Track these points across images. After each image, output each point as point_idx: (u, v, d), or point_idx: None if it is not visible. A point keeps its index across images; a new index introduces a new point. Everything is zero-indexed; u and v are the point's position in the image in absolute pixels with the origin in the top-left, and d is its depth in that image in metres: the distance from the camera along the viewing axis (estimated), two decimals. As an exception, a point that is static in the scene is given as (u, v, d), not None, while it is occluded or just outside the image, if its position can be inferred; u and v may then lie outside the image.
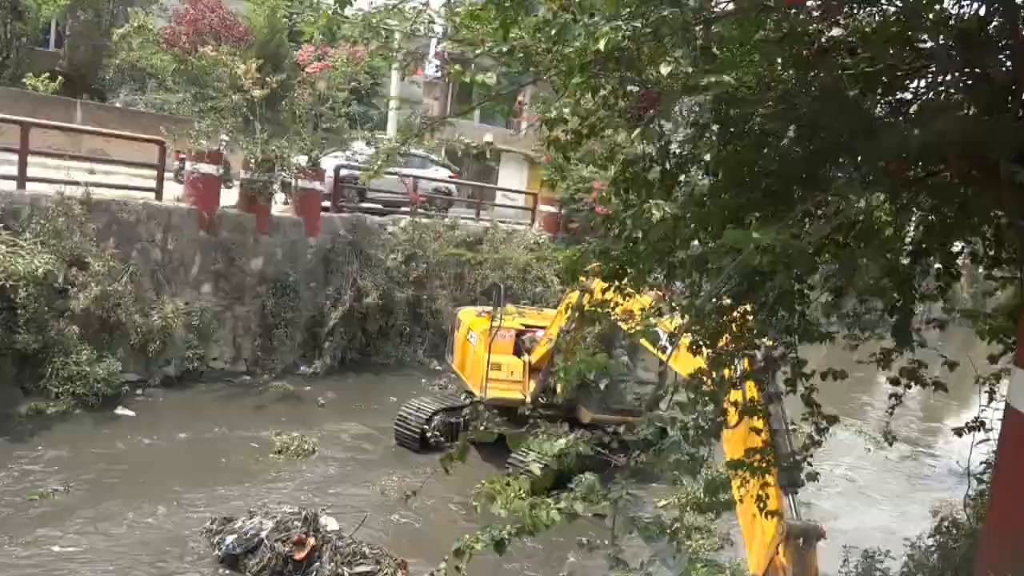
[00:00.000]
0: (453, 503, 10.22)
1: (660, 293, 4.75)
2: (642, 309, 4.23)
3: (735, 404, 4.65)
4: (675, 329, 3.83)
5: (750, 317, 4.47)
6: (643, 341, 3.25)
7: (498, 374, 11.33)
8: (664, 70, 3.11)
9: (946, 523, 6.33)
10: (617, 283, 4.28)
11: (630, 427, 4.11)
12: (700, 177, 3.07)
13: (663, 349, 4.20)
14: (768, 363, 4.37)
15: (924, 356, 4.95)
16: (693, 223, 4.15)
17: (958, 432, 5.17)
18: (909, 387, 4.98)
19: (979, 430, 5.02)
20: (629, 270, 4.21)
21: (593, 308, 4.23)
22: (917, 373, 4.87)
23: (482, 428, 10.93)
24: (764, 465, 4.77)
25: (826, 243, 4.49)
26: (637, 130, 3.51)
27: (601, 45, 3.14)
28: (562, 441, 3.96)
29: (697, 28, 3.57)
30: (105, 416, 11.62)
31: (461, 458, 4.00)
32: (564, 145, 4.19)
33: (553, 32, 3.19)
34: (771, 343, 4.47)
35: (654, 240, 3.55)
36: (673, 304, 4.41)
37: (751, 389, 4.69)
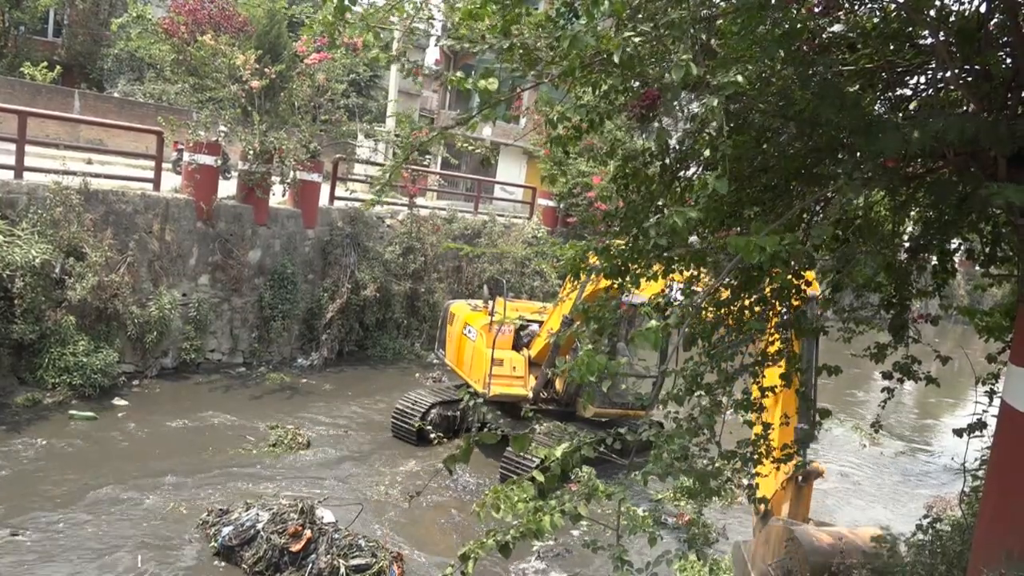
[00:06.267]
0: (448, 494, 10.25)
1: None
2: (644, 304, 4.25)
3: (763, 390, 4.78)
4: (674, 324, 3.83)
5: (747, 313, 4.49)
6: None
7: (500, 370, 11.26)
8: (676, 74, 3.10)
9: (940, 519, 6.35)
10: (620, 280, 4.29)
11: (632, 428, 4.12)
12: (715, 175, 3.06)
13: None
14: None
15: (919, 351, 4.98)
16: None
17: (958, 433, 5.18)
18: (902, 382, 5.01)
19: (980, 431, 5.03)
20: (632, 267, 4.22)
21: (595, 306, 4.23)
22: (910, 368, 4.90)
23: (484, 428, 10.89)
24: (756, 457, 4.81)
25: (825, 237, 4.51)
26: (640, 127, 3.51)
27: (617, 59, 3.14)
28: (564, 445, 3.94)
29: (700, 25, 3.57)
30: (102, 406, 11.63)
31: (464, 459, 4.01)
32: (565, 141, 4.19)
33: (567, 44, 3.17)
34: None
35: (656, 238, 3.55)
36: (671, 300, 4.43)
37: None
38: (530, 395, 11.33)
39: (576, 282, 9.62)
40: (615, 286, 4.40)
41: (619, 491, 4.02)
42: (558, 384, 11.86)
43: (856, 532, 7.09)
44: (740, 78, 3.10)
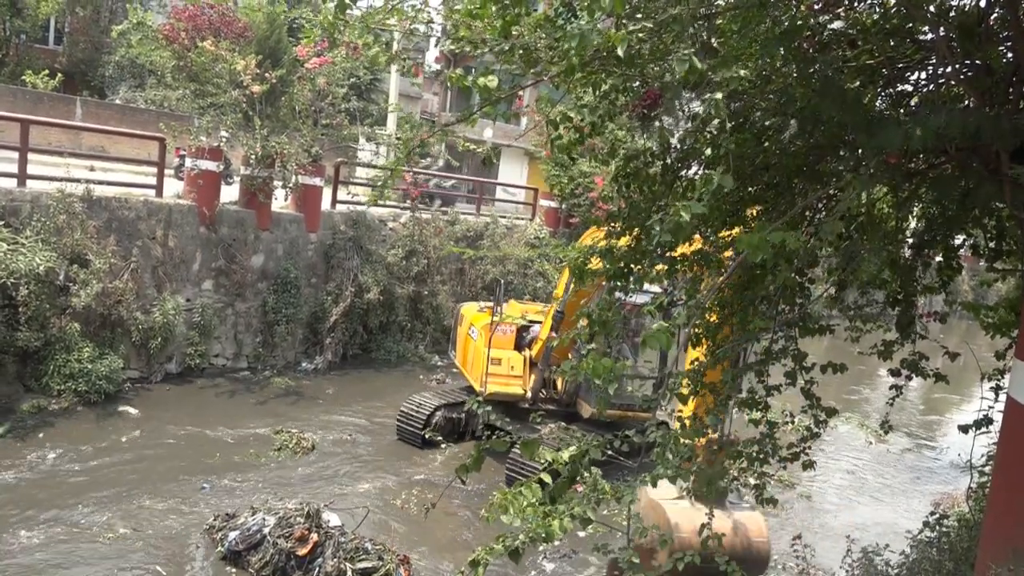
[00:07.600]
0: (453, 497, 10.24)
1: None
2: (647, 304, 4.24)
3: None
4: (681, 324, 3.82)
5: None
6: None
7: (498, 369, 11.29)
8: (679, 67, 3.09)
9: (947, 516, 6.34)
10: (623, 282, 4.29)
11: (638, 429, 4.10)
12: (719, 171, 3.05)
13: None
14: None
15: (925, 347, 4.96)
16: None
17: (964, 429, 5.17)
18: (910, 378, 4.99)
19: (987, 427, 5.01)
20: (635, 268, 4.21)
21: (598, 309, 4.21)
22: (918, 365, 4.88)
23: (493, 431, 10.88)
24: (762, 456, 4.80)
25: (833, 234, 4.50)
26: (642, 127, 3.51)
27: (620, 52, 3.12)
28: (572, 448, 3.94)
29: (700, 23, 3.57)
30: (107, 413, 11.65)
31: (476, 468, 4.01)
32: (567, 144, 4.19)
33: (574, 43, 3.16)
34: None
35: (661, 235, 3.54)
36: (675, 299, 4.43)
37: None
38: (528, 395, 11.34)
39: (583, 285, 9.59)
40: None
41: (628, 493, 4.01)
42: (559, 384, 11.86)
43: (752, 518, 6.72)
44: (743, 72, 3.09)
